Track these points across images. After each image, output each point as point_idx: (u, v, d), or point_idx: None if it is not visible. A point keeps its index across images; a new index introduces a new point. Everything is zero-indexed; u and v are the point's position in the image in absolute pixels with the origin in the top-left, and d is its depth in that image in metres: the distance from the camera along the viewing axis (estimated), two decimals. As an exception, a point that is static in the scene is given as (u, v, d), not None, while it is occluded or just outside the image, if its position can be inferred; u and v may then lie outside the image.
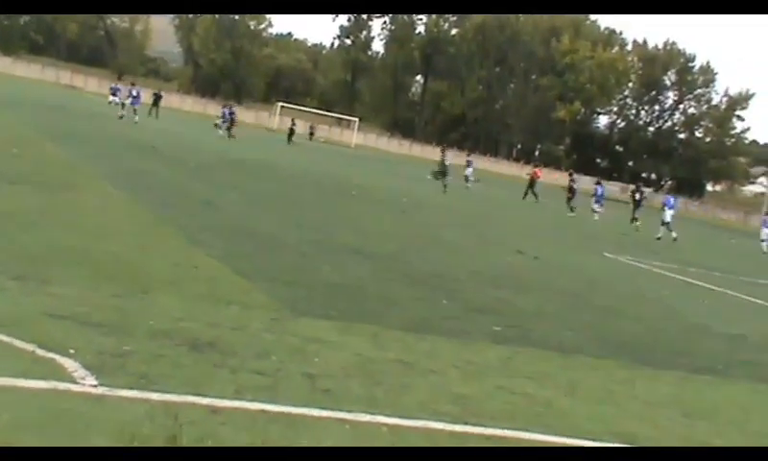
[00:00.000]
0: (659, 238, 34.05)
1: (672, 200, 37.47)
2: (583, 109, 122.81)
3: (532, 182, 46.17)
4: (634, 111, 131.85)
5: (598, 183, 44.97)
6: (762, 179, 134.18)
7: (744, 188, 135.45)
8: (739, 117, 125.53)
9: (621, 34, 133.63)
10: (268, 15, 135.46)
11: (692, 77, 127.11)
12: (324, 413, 5.78)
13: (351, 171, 41.81)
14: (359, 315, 9.34)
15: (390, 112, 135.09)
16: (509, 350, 9.05)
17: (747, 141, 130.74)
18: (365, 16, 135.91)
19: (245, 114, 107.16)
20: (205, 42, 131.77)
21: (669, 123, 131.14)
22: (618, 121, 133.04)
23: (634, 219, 39.38)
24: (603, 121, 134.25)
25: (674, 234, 34.31)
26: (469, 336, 9.38)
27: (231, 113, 52.52)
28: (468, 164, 51.17)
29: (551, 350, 9.46)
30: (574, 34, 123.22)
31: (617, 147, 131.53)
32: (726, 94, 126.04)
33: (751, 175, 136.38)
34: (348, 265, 12.96)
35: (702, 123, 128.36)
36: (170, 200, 17.15)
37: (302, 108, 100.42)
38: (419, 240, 18.59)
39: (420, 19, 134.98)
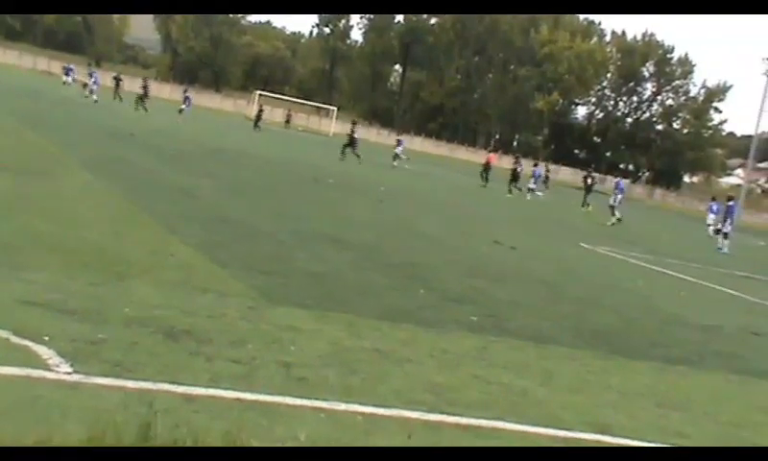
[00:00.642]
0: (613, 224, 34.99)
1: (623, 183, 38.53)
2: (561, 100, 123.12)
3: (486, 168, 47.44)
4: (612, 102, 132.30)
5: (536, 165, 47.80)
6: (739, 170, 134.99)
7: (721, 180, 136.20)
8: (717, 109, 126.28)
9: (600, 25, 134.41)
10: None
11: (670, 68, 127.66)
12: (300, 402, 5.78)
13: (329, 160, 41.74)
14: (335, 304, 9.34)
15: (368, 101, 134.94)
16: (485, 339, 9.07)
17: (724, 133, 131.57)
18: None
19: (223, 103, 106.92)
20: (184, 30, 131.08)
21: (647, 114, 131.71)
22: (597, 112, 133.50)
23: (585, 204, 41.73)
24: (581, 112, 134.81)
25: (618, 215, 35.40)
26: (446, 326, 9.40)
27: (145, 87, 55.02)
28: (399, 143, 52.36)
29: (527, 340, 9.50)
30: (553, 24, 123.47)
31: (595, 138, 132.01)
32: (704, 86, 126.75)
33: (727, 166, 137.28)
34: (325, 254, 12.95)
35: (679, 115, 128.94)
36: (147, 187, 17.06)
37: (281, 96, 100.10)
38: (396, 229, 18.60)
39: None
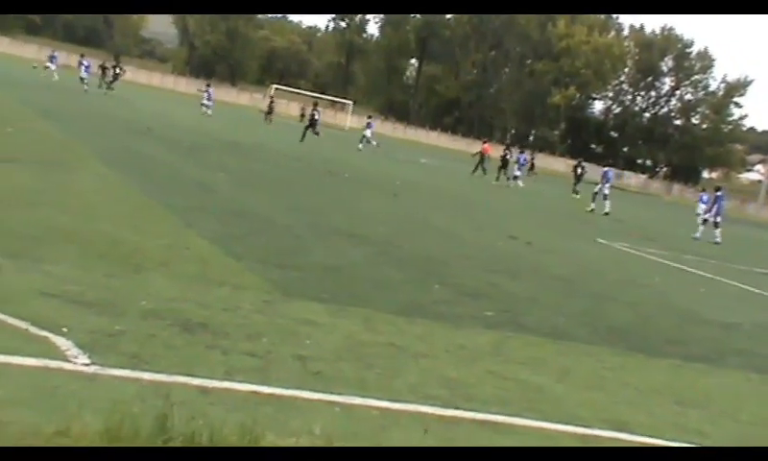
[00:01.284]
0: (591, 211, 35.67)
1: (611, 173, 39.12)
2: (578, 95, 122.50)
3: (482, 158, 47.17)
4: (630, 97, 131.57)
5: (521, 152, 48.64)
6: (759, 166, 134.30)
7: (741, 176, 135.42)
8: (737, 104, 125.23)
9: (618, 19, 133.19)
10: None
11: (689, 63, 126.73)
12: (315, 395, 5.78)
13: (344, 153, 41.73)
14: (351, 298, 9.34)
15: (384, 95, 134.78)
16: (501, 335, 9.04)
17: (744, 128, 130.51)
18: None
19: (239, 96, 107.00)
20: (201, 24, 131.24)
21: (665, 109, 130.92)
22: (614, 107, 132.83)
23: (574, 192, 43.36)
24: (598, 106, 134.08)
25: (607, 209, 35.94)
26: (461, 321, 9.38)
27: (117, 69, 58.31)
28: (368, 126, 51.10)
29: (543, 335, 9.46)
30: (570, 18, 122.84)
31: (612, 133, 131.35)
32: (723, 80, 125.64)
33: (747, 162, 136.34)
34: (341, 248, 12.95)
35: (699, 109, 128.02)
36: (163, 180, 17.11)
37: (296, 90, 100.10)
38: (411, 224, 18.58)
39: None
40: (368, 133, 49.91)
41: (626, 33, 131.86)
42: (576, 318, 11.08)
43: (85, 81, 52.52)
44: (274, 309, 8.03)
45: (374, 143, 50.18)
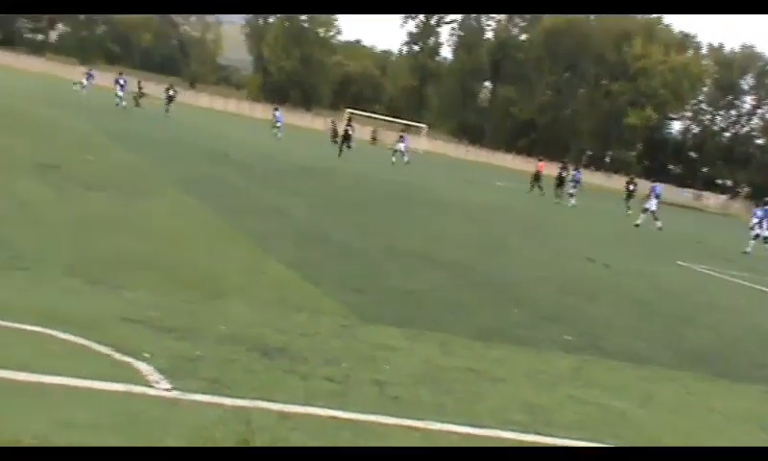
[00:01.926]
0: (637, 225, 35.44)
1: (659, 189, 39.23)
2: (655, 115, 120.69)
3: (537, 176, 47.48)
4: (709, 116, 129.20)
5: (576, 169, 48.38)
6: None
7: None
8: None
9: (696, 37, 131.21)
10: (336, 22, 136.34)
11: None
12: (394, 420, 5.77)
13: (419, 177, 41.76)
14: (428, 322, 9.30)
15: (458, 118, 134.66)
16: (580, 359, 8.92)
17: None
18: (433, 22, 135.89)
19: (314, 121, 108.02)
20: (275, 50, 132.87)
21: (746, 128, 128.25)
22: (692, 126, 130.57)
23: (627, 208, 43.67)
24: (676, 127, 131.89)
25: (659, 224, 35.94)
26: (540, 345, 9.28)
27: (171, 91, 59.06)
28: (401, 139, 52.87)
29: (623, 359, 9.30)
30: (646, 38, 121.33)
31: (691, 153, 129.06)
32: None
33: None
34: (417, 272, 12.92)
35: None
36: (240, 206, 17.31)
37: (371, 114, 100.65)
38: (487, 247, 18.47)
39: (489, 24, 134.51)
40: (401, 147, 52.04)
41: (704, 51, 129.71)
42: (657, 342, 10.87)
43: (122, 98, 54.10)
44: (351, 334, 8.04)
45: (406, 159, 51.76)
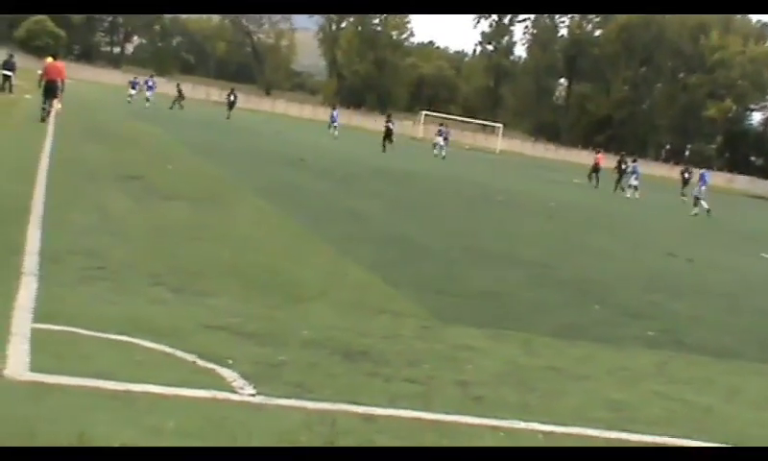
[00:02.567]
0: (696, 214, 35.39)
1: (707, 176, 39.97)
2: (735, 107, 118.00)
3: (596, 168, 48.01)
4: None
5: (634, 161, 47.58)
6: None
7: None
8: None
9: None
10: (409, 24, 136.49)
11: None
12: (478, 420, 5.74)
13: (496, 177, 41.55)
14: (509, 322, 9.24)
15: (533, 117, 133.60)
16: (664, 355, 8.77)
17: None
18: (506, 21, 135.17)
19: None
20: (349, 54, 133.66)
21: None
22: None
23: (682, 194, 44.46)
24: (757, 118, 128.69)
25: (706, 206, 36.06)
26: (622, 341, 9.15)
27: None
28: (440, 133, 55.13)
29: (708, 354, 9.14)
30: (723, 29, 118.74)
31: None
32: None
33: None
34: (497, 271, 12.86)
35: None
36: (318, 210, 17.44)
37: (446, 115, 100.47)
38: (567, 244, 18.27)
39: (563, 22, 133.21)
40: (440, 140, 54.22)
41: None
42: (743, 336, 10.66)
43: (150, 99, 55.98)
44: (433, 335, 8.03)
45: (443, 154, 52.94)
